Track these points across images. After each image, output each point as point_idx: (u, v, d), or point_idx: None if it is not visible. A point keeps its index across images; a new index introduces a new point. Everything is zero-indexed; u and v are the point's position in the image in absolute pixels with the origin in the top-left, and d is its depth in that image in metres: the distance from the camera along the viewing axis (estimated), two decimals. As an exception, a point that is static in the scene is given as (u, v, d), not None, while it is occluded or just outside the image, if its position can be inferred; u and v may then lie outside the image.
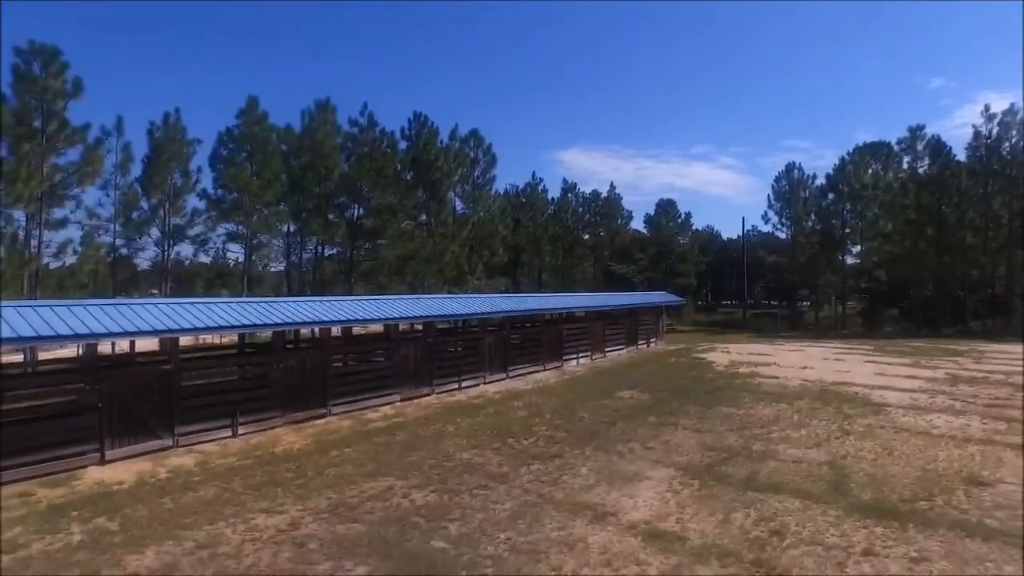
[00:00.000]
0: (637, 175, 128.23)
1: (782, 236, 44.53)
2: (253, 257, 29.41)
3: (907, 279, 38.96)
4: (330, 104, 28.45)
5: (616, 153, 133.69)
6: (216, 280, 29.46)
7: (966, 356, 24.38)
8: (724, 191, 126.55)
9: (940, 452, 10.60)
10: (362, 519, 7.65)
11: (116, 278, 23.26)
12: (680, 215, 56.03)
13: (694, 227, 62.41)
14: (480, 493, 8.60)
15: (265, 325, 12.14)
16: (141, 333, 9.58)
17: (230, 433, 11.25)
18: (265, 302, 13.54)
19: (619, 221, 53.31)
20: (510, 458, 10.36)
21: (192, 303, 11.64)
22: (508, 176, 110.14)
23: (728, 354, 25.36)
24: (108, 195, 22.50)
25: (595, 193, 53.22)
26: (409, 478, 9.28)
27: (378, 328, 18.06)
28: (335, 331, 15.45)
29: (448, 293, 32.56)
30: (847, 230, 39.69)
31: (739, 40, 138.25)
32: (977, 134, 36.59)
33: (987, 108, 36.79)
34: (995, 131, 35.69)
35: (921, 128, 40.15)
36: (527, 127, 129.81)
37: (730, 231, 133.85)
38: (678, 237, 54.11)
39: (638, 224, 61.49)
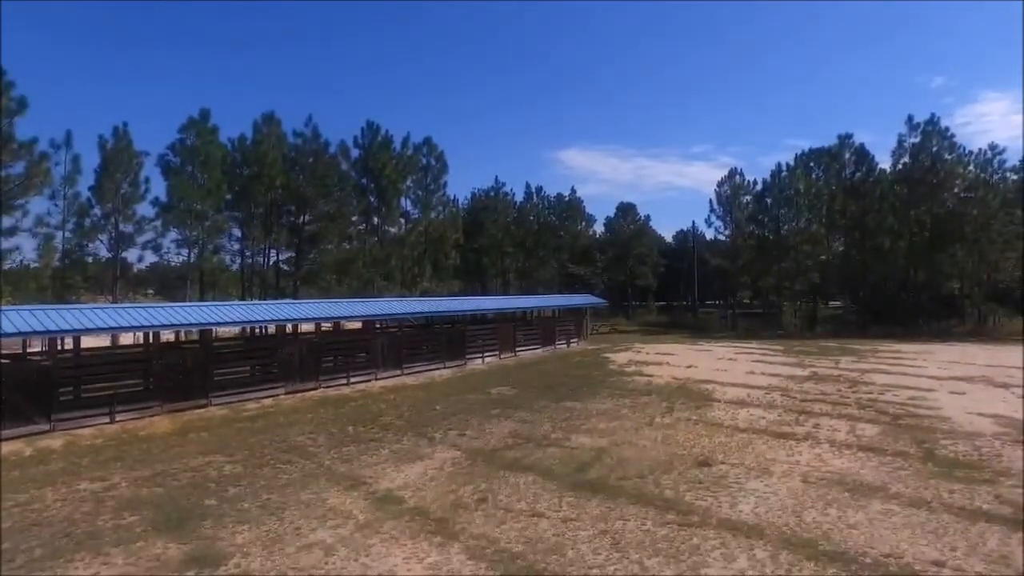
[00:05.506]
0: (637, 174, 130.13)
1: (724, 238, 46.39)
2: (213, 260, 31.48)
3: (841, 281, 40.80)
4: (275, 117, 30.59)
5: (616, 152, 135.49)
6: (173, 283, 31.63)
7: (856, 355, 26.07)
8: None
9: (707, 440, 12.26)
10: (167, 484, 9.53)
11: (65, 282, 25.32)
12: (640, 217, 57.94)
13: (663, 229, 64.03)
14: (280, 467, 10.47)
15: (141, 327, 14.09)
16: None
17: (108, 420, 13.19)
18: (160, 307, 15.50)
19: (581, 224, 55.22)
20: (334, 441, 12.21)
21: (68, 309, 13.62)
22: (504, 176, 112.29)
23: (635, 354, 27.15)
24: (56, 204, 24.56)
25: (559, 196, 55.16)
26: (234, 455, 11.16)
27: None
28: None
29: (399, 296, 34.56)
30: (783, 233, 41.54)
31: (739, 40, 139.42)
32: (900, 142, 38.41)
33: (911, 118, 38.65)
34: (918, 140, 37.42)
35: (849, 136, 42.08)
36: (525, 127, 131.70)
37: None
38: (637, 239, 55.90)
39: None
